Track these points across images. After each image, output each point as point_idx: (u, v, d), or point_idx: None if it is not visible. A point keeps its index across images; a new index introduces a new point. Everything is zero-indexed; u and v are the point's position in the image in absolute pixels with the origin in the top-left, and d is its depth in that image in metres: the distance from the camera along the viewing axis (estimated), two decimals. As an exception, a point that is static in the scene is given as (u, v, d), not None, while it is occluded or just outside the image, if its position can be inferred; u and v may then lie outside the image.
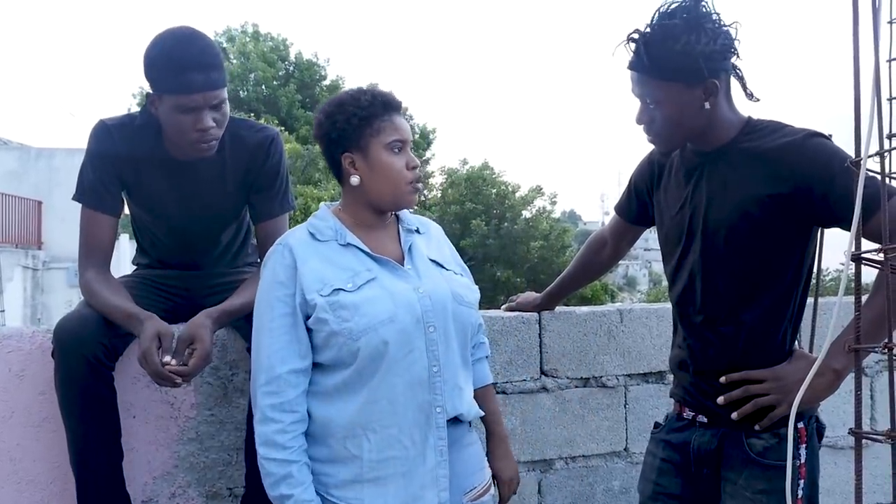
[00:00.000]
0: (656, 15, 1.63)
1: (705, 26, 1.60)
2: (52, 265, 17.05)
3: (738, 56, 1.67)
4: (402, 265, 1.68)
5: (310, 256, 1.63)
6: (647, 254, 48.12)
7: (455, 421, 1.69)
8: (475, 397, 1.77)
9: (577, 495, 2.49)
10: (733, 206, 1.67)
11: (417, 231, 1.79)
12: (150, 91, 1.91)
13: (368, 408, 1.59)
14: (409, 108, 34.83)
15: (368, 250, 1.66)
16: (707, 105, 1.65)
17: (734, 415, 1.69)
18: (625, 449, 2.53)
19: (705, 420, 1.78)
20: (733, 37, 1.64)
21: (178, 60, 1.83)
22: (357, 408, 1.59)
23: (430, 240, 1.81)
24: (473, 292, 1.77)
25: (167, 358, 1.75)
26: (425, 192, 24.21)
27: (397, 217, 1.79)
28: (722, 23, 1.63)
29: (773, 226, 1.64)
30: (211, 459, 2.11)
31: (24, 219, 16.99)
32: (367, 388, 1.59)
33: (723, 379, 1.71)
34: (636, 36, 1.64)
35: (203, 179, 2.04)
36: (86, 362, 1.80)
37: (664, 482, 1.83)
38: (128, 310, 1.85)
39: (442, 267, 1.74)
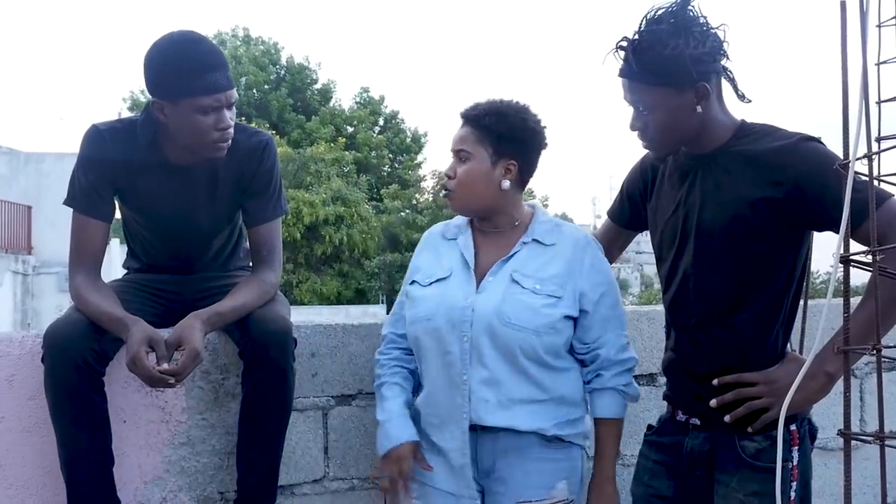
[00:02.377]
0: (644, 21, 1.64)
1: (693, 30, 1.61)
2: (42, 270, 16.96)
3: (727, 58, 1.68)
4: (486, 273, 1.85)
5: (427, 247, 1.99)
6: (639, 257, 48.21)
7: (512, 431, 1.80)
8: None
9: (570, 498, 2.48)
10: (726, 208, 1.67)
11: (540, 242, 1.87)
12: (158, 98, 1.88)
13: (424, 394, 1.91)
14: (400, 111, 34.83)
15: (464, 253, 1.89)
16: (699, 109, 1.66)
17: (727, 417, 1.70)
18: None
19: (698, 423, 1.78)
20: (722, 39, 1.65)
21: (197, 62, 1.83)
22: (422, 391, 1.92)
23: (543, 254, 1.86)
24: (539, 315, 1.78)
25: (164, 365, 1.76)
26: (417, 195, 24.22)
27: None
28: (710, 26, 1.64)
29: (766, 229, 1.65)
30: (202, 464, 2.10)
31: (14, 224, 16.90)
32: (423, 375, 1.91)
33: (715, 381, 1.72)
34: (625, 43, 1.65)
35: (197, 184, 2.03)
36: (75, 367, 1.79)
37: (657, 484, 1.84)
38: (115, 314, 1.84)
39: (518, 284, 1.80)
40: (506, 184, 1.85)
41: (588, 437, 1.90)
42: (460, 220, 1.98)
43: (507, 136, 1.84)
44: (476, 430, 1.82)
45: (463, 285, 1.85)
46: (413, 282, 1.94)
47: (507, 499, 1.81)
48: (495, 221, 1.91)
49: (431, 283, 1.88)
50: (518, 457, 1.81)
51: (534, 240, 1.87)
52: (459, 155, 1.86)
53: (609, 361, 1.84)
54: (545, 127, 1.91)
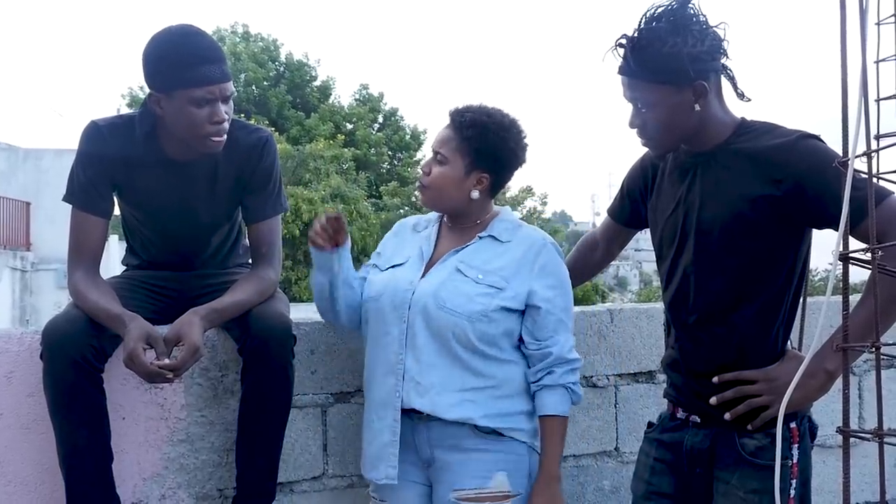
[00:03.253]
0: (643, 19, 1.64)
1: (692, 28, 1.61)
2: (40, 267, 16.94)
3: (726, 56, 1.68)
4: (437, 262, 1.92)
5: (396, 234, 2.10)
6: (639, 254, 48.26)
7: (456, 423, 1.83)
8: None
9: (568, 495, 2.49)
10: (726, 206, 1.67)
11: (496, 238, 1.93)
12: (154, 91, 1.89)
13: (366, 371, 1.97)
14: (399, 108, 34.82)
15: (423, 244, 1.98)
16: (697, 107, 1.66)
17: (727, 415, 1.70)
18: (615, 448, 2.54)
19: (698, 420, 1.78)
20: (721, 37, 1.65)
21: (192, 54, 1.84)
22: (366, 367, 1.98)
23: (494, 249, 1.92)
24: (473, 302, 1.83)
25: (164, 360, 1.76)
26: (416, 192, 24.26)
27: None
28: (709, 24, 1.64)
29: (765, 226, 1.65)
30: (201, 461, 2.10)
31: (13, 220, 16.88)
32: (367, 352, 1.97)
33: (715, 379, 1.72)
34: (624, 41, 1.65)
35: (196, 180, 2.03)
36: (74, 364, 1.79)
37: (657, 481, 1.84)
38: (113, 311, 1.84)
39: (461, 273, 1.87)
40: (475, 194, 1.93)
41: (533, 436, 1.91)
42: (433, 215, 2.07)
43: (484, 151, 1.90)
44: (411, 416, 1.87)
45: (412, 271, 1.94)
46: (374, 265, 2.05)
47: (445, 488, 1.85)
48: (461, 220, 2.00)
49: (388, 268, 1.99)
50: (454, 448, 1.85)
51: (490, 235, 1.94)
52: (437, 156, 1.93)
53: (561, 359, 1.87)
54: (526, 146, 1.98)
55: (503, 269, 1.88)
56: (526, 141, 1.98)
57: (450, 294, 1.84)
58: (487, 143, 1.89)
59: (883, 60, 1.02)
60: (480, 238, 1.94)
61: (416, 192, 2.03)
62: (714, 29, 1.64)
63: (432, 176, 1.93)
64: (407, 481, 1.90)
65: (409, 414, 1.87)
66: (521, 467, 1.87)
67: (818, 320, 1.27)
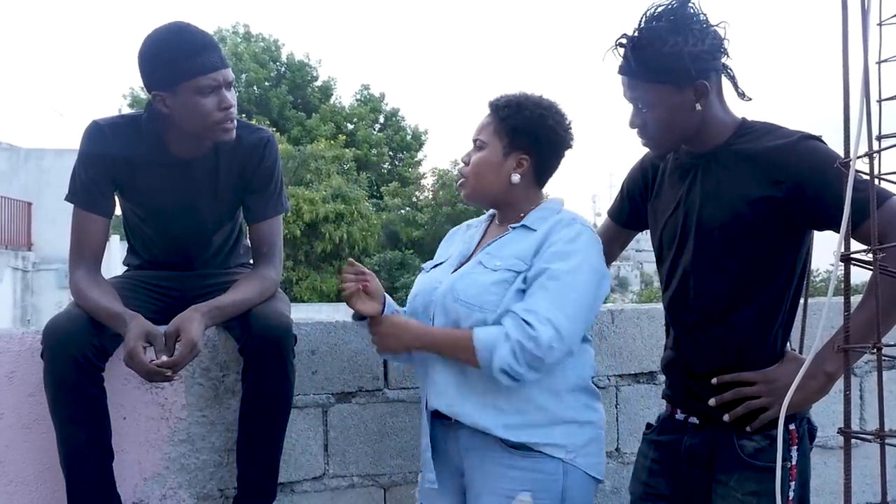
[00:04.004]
0: (643, 18, 1.64)
1: (692, 27, 1.60)
2: (41, 266, 16.96)
3: (727, 56, 1.67)
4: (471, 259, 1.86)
5: (448, 238, 2.05)
6: (639, 255, 48.21)
7: (471, 428, 1.74)
8: None
9: (569, 496, 2.49)
10: (726, 207, 1.67)
11: (528, 227, 1.81)
12: (157, 90, 1.89)
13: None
14: (400, 109, 34.82)
15: (468, 242, 1.93)
16: (698, 107, 1.65)
17: (726, 417, 1.70)
18: (616, 449, 2.54)
19: (697, 422, 1.78)
20: (722, 37, 1.65)
21: (189, 45, 1.85)
22: None
23: (524, 238, 1.79)
24: (487, 292, 1.71)
25: (162, 358, 1.76)
26: (417, 193, 24.23)
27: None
28: (709, 23, 1.63)
29: (765, 227, 1.64)
30: (202, 461, 2.10)
31: (14, 220, 16.89)
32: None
33: (714, 381, 1.71)
34: (624, 40, 1.65)
35: (198, 179, 2.03)
36: (75, 363, 1.79)
37: (655, 483, 1.83)
38: (114, 310, 1.84)
39: (482, 265, 1.78)
40: (515, 177, 1.82)
41: (576, 451, 1.74)
42: (488, 214, 1.99)
43: (521, 129, 1.81)
44: (443, 422, 1.81)
45: (446, 270, 1.89)
46: (422, 268, 2.02)
47: (472, 501, 1.78)
48: (505, 213, 1.89)
49: (431, 268, 1.96)
50: (479, 458, 1.76)
51: (522, 225, 1.83)
52: (476, 143, 1.86)
53: (514, 312, 1.67)
54: (569, 127, 1.87)
55: (523, 253, 1.75)
56: (568, 122, 1.87)
57: (465, 286, 1.75)
58: (524, 120, 1.81)
59: (885, 61, 1.02)
60: (513, 229, 1.84)
61: (457, 189, 1.94)
62: (714, 28, 1.64)
63: (471, 164, 1.85)
64: (444, 488, 1.82)
65: (442, 420, 1.81)
66: (552, 487, 1.70)
67: (819, 321, 1.27)
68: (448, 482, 1.83)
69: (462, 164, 1.90)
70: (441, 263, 1.93)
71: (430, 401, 1.80)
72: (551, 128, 1.83)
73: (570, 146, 1.88)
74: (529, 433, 1.71)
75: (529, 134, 1.82)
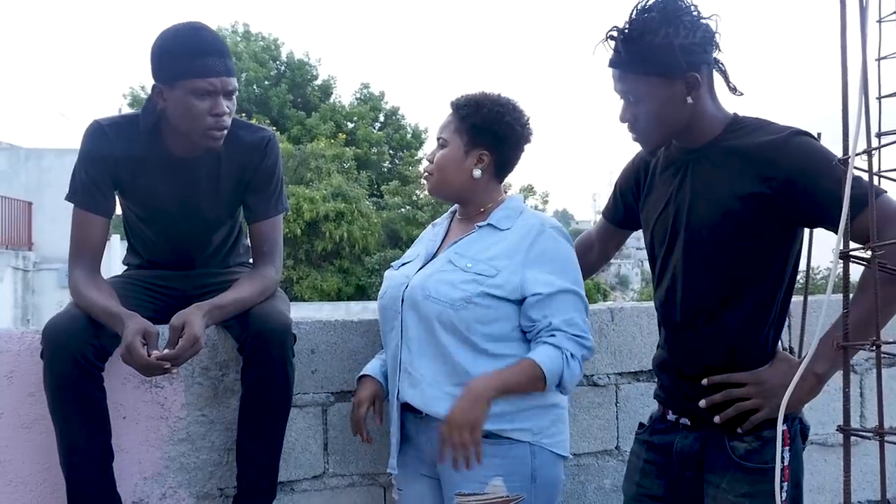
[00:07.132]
0: (634, 10, 1.63)
1: (683, 19, 1.59)
2: (42, 266, 16.96)
3: (718, 49, 1.66)
4: (437, 256, 1.94)
5: (420, 238, 2.11)
6: (640, 252, 48.15)
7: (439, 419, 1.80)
8: None
9: (569, 493, 2.49)
10: (716, 204, 1.65)
11: (495, 227, 1.91)
12: (158, 82, 1.91)
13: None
14: (400, 107, 34.84)
15: (432, 240, 2.01)
16: (689, 99, 1.63)
17: (716, 418, 1.68)
18: (616, 447, 2.54)
19: (688, 422, 1.77)
20: (713, 30, 1.63)
21: (197, 45, 1.86)
22: None
23: (491, 238, 1.90)
24: (456, 289, 1.81)
25: (155, 352, 1.76)
26: (417, 190, 24.24)
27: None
28: (701, 16, 1.62)
29: (756, 225, 1.62)
30: (202, 460, 2.10)
31: (15, 220, 16.89)
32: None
33: (705, 381, 1.70)
34: (615, 32, 1.64)
35: (199, 178, 2.04)
36: (75, 363, 1.79)
37: (647, 483, 1.83)
38: (112, 309, 1.85)
39: (452, 263, 1.87)
40: (477, 172, 1.92)
41: (541, 433, 1.82)
42: (450, 210, 2.08)
43: (480, 126, 1.90)
44: (414, 415, 1.88)
45: (413, 267, 1.96)
46: (390, 265, 2.09)
47: (448, 489, 1.84)
48: (467, 209, 1.99)
49: (399, 266, 2.03)
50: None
51: (489, 224, 1.92)
52: (439, 141, 1.96)
53: (563, 328, 1.79)
54: (527, 123, 1.96)
55: (495, 259, 1.84)
56: (526, 119, 1.95)
57: (435, 283, 1.83)
58: (483, 118, 1.90)
59: (884, 58, 1.02)
60: (479, 227, 1.92)
61: (423, 182, 2.06)
62: (706, 21, 1.62)
63: (435, 161, 1.95)
64: (418, 474, 1.93)
65: (413, 412, 1.88)
66: (521, 470, 1.80)
67: (819, 319, 1.27)
68: (421, 469, 1.92)
69: (427, 162, 2.00)
70: (408, 262, 2.01)
71: (401, 392, 1.87)
72: (509, 124, 1.92)
73: (528, 141, 1.98)
74: (498, 422, 1.79)
75: (488, 131, 1.91)
